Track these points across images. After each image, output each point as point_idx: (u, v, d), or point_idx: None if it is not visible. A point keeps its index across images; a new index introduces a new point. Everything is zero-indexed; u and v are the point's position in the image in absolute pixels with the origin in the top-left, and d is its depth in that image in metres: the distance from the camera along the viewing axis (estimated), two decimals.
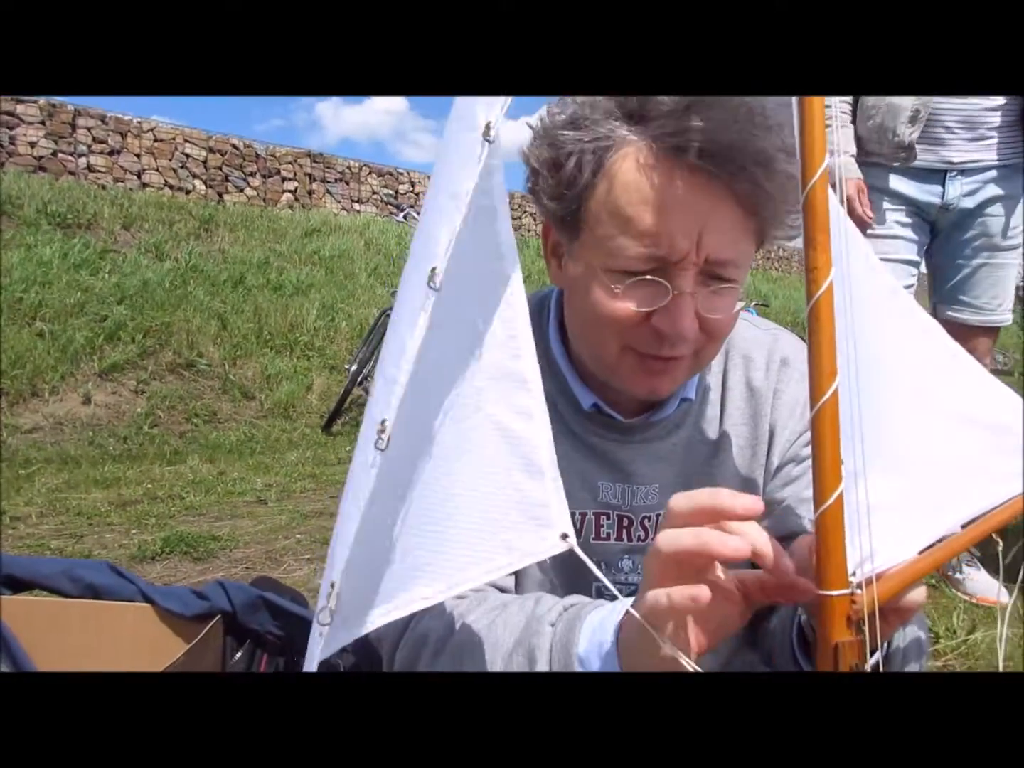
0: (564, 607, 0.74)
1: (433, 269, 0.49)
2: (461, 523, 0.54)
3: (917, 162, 2.44)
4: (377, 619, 0.53)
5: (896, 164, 2.46)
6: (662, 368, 0.85)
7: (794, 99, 0.52)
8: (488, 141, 0.48)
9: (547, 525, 0.54)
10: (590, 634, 0.68)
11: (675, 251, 0.77)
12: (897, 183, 2.48)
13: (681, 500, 0.60)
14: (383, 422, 0.47)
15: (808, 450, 0.59)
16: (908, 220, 2.51)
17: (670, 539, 0.58)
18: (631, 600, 0.63)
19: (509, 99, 0.49)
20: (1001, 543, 0.58)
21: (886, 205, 2.51)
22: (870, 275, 0.61)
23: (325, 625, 0.48)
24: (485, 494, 0.54)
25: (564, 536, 0.54)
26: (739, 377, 1.00)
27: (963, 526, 0.60)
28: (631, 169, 0.78)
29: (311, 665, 0.49)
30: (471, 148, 0.50)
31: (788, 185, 0.76)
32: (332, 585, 0.48)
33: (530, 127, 0.85)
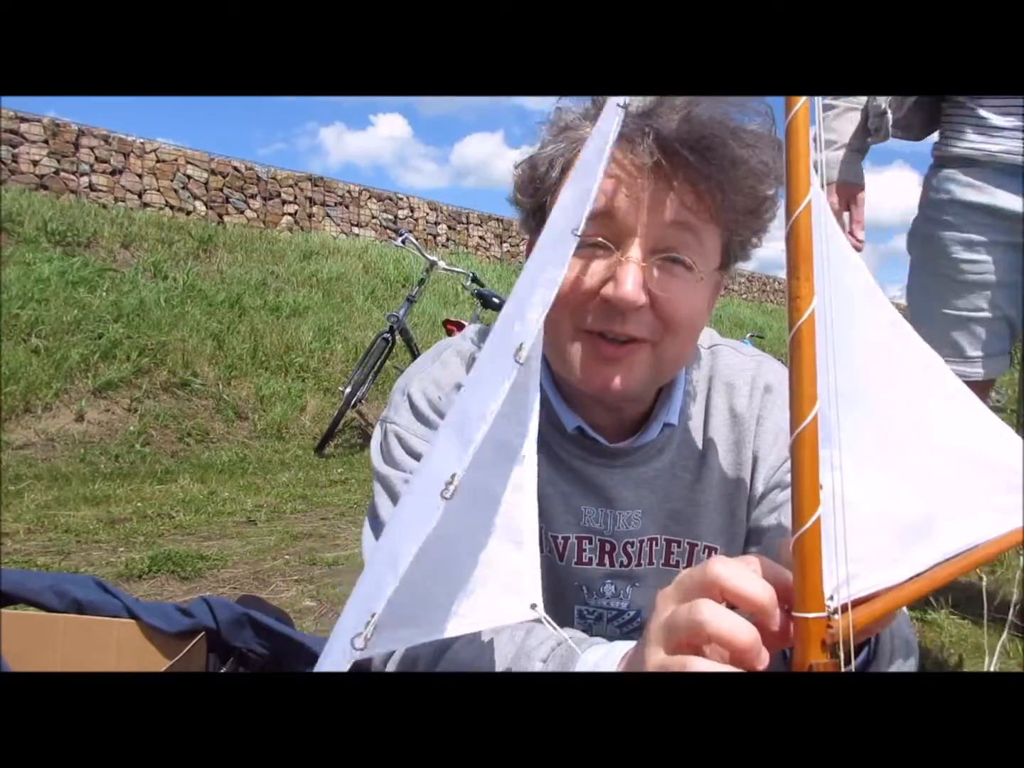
0: (557, 642, 0.73)
1: (521, 345, 0.51)
2: (447, 580, 0.56)
3: (1006, 156, 1.78)
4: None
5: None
6: (614, 354, 0.85)
7: (783, 131, 0.54)
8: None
9: (517, 592, 0.56)
10: None
11: (621, 211, 0.80)
12: (980, 193, 1.82)
13: (738, 579, 0.56)
14: (452, 476, 0.49)
15: None
16: (1004, 239, 1.82)
17: (728, 627, 0.54)
18: (626, 645, 0.64)
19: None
20: (984, 579, 0.58)
21: (977, 219, 1.84)
22: (866, 305, 0.62)
23: (359, 650, 0.49)
24: (472, 556, 0.56)
25: (533, 606, 0.56)
26: (722, 403, 1.01)
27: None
28: None
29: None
30: (559, 244, 0.53)
31: (738, 170, 0.80)
32: (372, 615, 0.49)
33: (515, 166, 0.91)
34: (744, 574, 0.56)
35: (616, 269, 0.81)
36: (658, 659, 0.57)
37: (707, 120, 0.78)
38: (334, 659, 0.50)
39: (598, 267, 0.82)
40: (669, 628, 0.58)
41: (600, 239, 0.81)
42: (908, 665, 0.76)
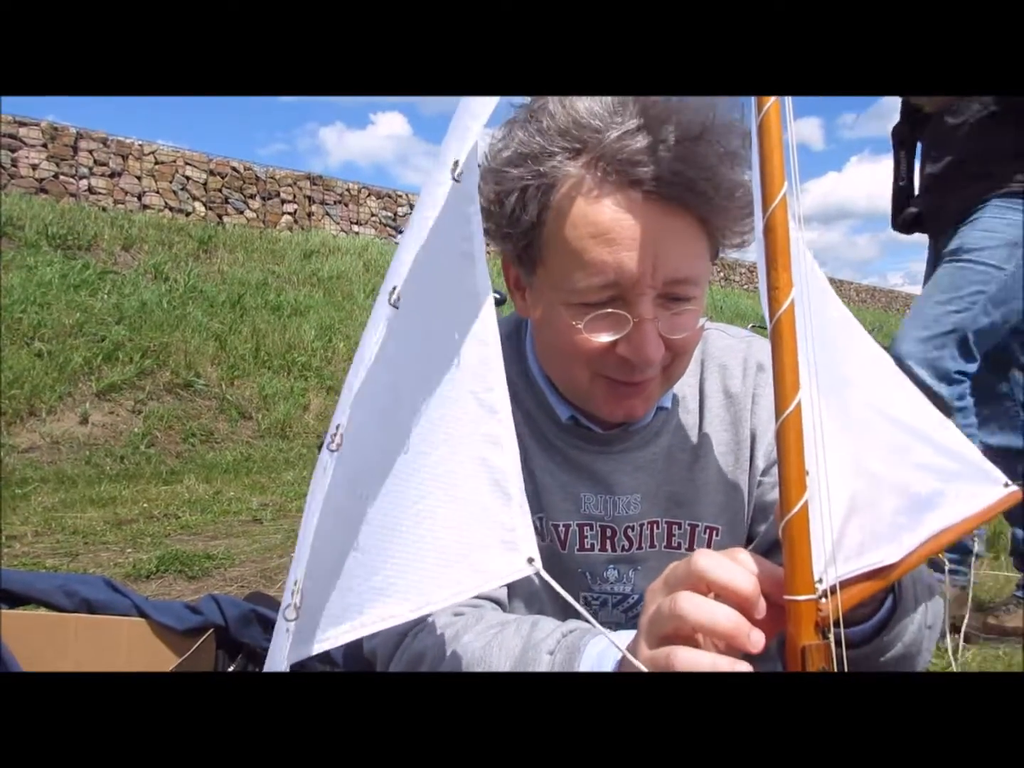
0: (563, 633, 0.74)
1: (394, 288, 0.52)
2: (431, 544, 0.56)
3: None
4: (344, 635, 0.55)
5: None
6: (633, 391, 0.87)
7: (753, 127, 0.55)
8: (455, 180, 0.51)
9: (514, 549, 0.56)
10: (589, 668, 0.68)
11: (629, 278, 0.78)
12: None
13: (718, 571, 0.58)
14: (337, 427, 0.50)
15: None
16: None
17: (704, 614, 0.56)
18: (629, 635, 0.64)
19: (476, 138, 0.52)
20: (947, 561, 0.60)
21: None
22: (825, 302, 0.64)
23: (291, 621, 0.50)
24: (456, 517, 0.57)
25: (530, 560, 0.56)
26: (716, 385, 1.02)
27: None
28: (576, 202, 0.79)
29: (279, 664, 0.51)
30: (439, 182, 0.53)
31: (735, 192, 0.78)
32: (296, 582, 0.50)
33: (480, 165, 0.87)
34: (727, 565, 0.58)
35: (631, 329, 0.81)
36: (647, 653, 0.59)
37: (707, 150, 0.76)
38: (278, 636, 0.51)
39: (612, 325, 0.81)
40: (654, 622, 0.60)
41: (612, 310, 0.80)
42: (935, 607, 0.77)
